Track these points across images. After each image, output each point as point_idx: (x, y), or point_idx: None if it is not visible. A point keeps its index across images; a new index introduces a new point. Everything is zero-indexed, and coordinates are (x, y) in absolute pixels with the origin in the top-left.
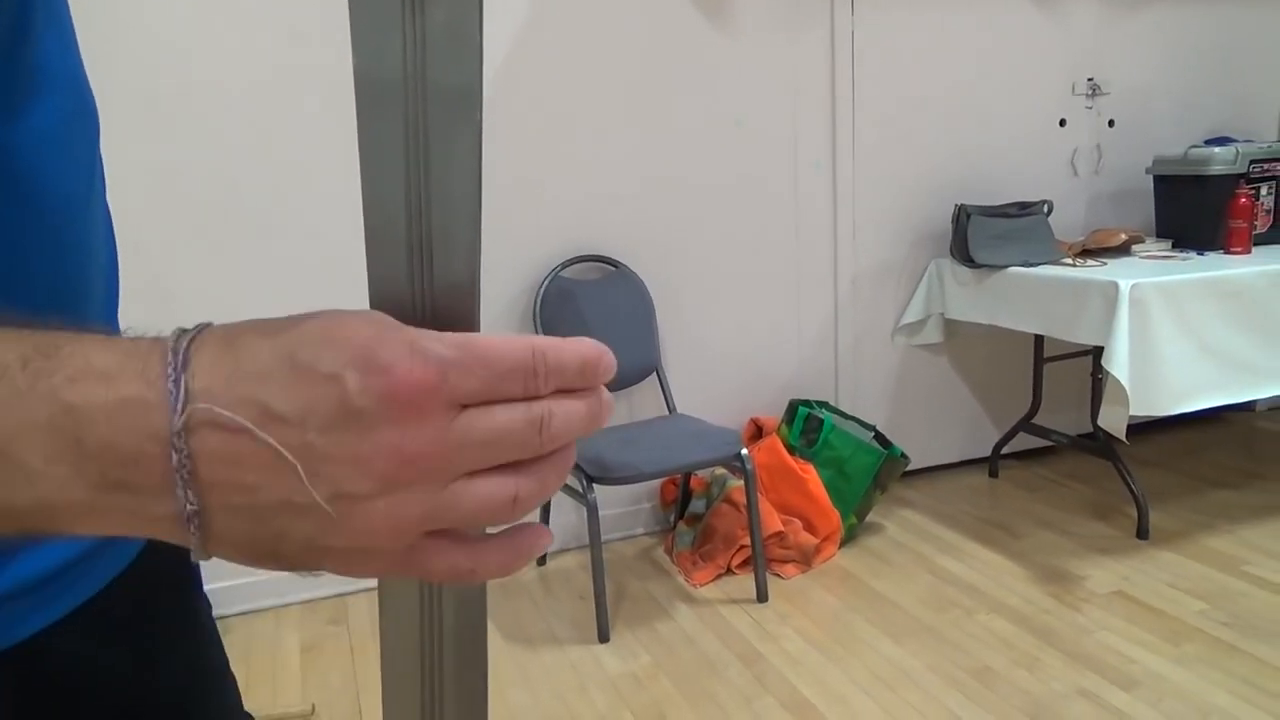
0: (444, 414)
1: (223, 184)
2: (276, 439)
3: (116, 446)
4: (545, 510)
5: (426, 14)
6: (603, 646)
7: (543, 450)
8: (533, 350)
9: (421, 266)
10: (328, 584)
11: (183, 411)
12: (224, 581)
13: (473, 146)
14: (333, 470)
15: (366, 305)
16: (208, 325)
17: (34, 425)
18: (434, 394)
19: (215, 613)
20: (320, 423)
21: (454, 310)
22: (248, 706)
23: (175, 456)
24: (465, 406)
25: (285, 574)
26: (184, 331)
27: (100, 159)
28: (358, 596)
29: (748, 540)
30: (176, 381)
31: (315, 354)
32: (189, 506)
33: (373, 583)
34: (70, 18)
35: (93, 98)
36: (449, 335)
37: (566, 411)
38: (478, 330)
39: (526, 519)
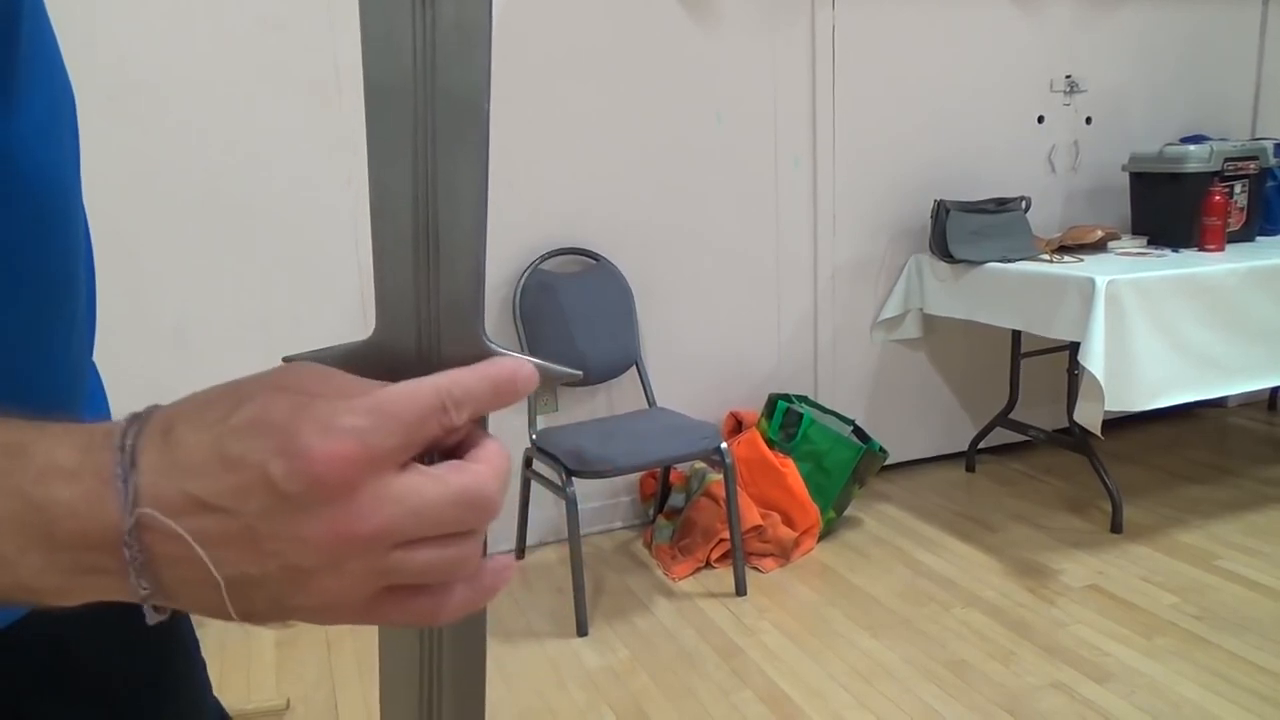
0: (373, 479)
1: (200, 176)
2: (219, 526)
3: (82, 539)
4: (524, 504)
5: (438, 16)
6: (581, 640)
7: (477, 526)
8: (437, 391)
9: (428, 271)
10: None
11: (132, 512)
12: None
13: (480, 149)
14: (278, 547)
15: (345, 294)
16: (152, 411)
17: (9, 522)
18: (356, 465)
19: None
20: (256, 508)
21: (459, 310)
22: (222, 701)
23: (128, 551)
24: (401, 466)
25: None
26: (132, 420)
27: (79, 150)
28: None
29: (727, 534)
30: (125, 480)
31: (240, 448)
32: (143, 591)
33: None
34: (44, 6)
35: (72, 89)
36: (359, 401)
37: (496, 478)
38: (482, 330)
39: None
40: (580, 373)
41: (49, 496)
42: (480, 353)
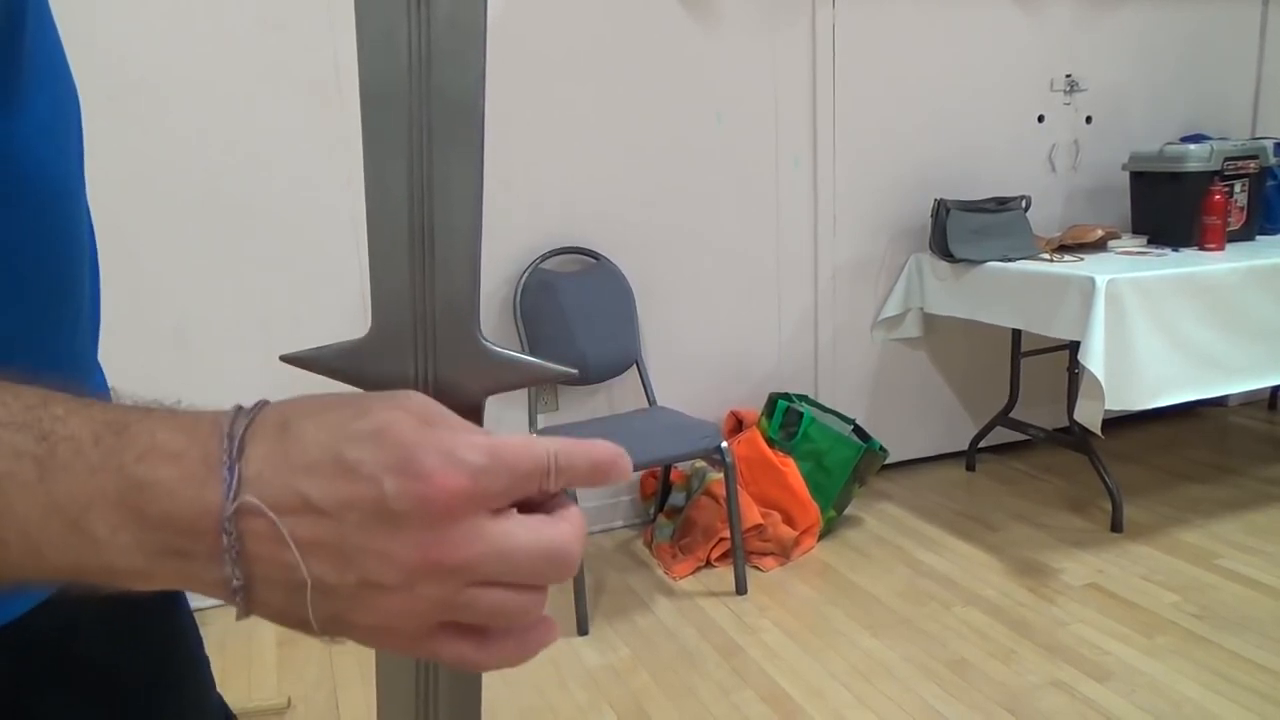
0: (472, 516)
1: (200, 176)
2: (315, 529)
3: (176, 521)
4: None
5: (433, 16)
6: (581, 639)
7: (556, 581)
8: (548, 454)
9: (424, 270)
10: None
11: (234, 498)
12: None
13: (475, 148)
14: (363, 561)
15: (346, 294)
16: (263, 406)
17: (104, 499)
18: (465, 500)
19: (191, 605)
20: (358, 518)
21: (454, 310)
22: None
23: (226, 538)
24: (498, 511)
25: None
26: (240, 412)
27: (83, 149)
28: None
29: (727, 533)
30: (230, 469)
31: (360, 454)
32: (236, 581)
33: None
34: (49, 7)
35: (75, 88)
36: (480, 440)
37: (578, 541)
38: (478, 329)
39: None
40: (575, 371)
41: (150, 475)
42: (476, 352)
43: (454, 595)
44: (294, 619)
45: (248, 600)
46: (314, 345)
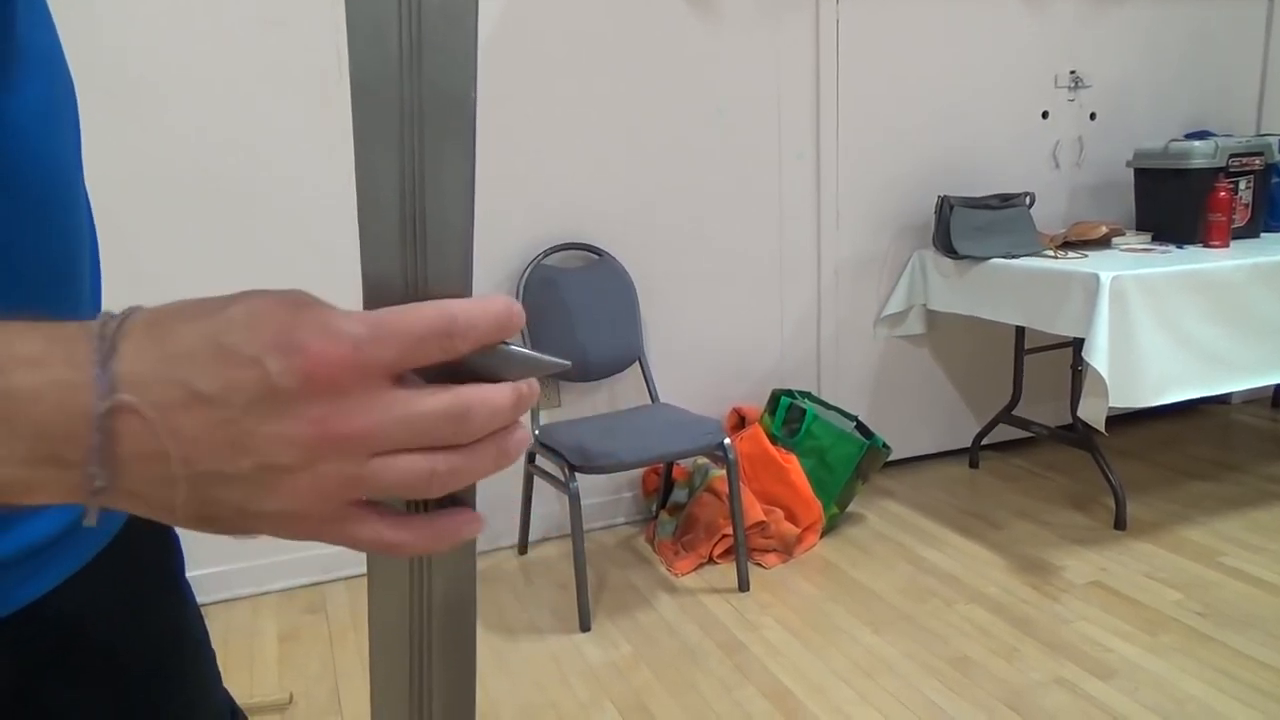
0: (363, 387)
1: (199, 175)
2: (203, 418)
3: (45, 427)
4: (527, 499)
5: (423, 6)
6: (584, 636)
7: (461, 440)
8: (445, 313)
9: (415, 261)
10: (306, 572)
11: (109, 397)
12: (201, 569)
13: (466, 140)
14: (258, 444)
15: (345, 292)
16: (136, 309)
17: None
18: (349, 369)
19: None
20: (244, 401)
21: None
22: None
23: (96, 437)
24: (396, 379)
25: (264, 562)
26: (111, 316)
27: (80, 138)
28: (335, 585)
29: (729, 530)
30: (103, 366)
31: (238, 338)
32: (97, 482)
33: (350, 570)
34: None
35: (71, 77)
36: (366, 313)
37: (488, 403)
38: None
39: (470, 506)
40: (568, 363)
41: (10, 384)
42: None
43: (358, 469)
44: (199, 515)
45: (111, 499)
46: None
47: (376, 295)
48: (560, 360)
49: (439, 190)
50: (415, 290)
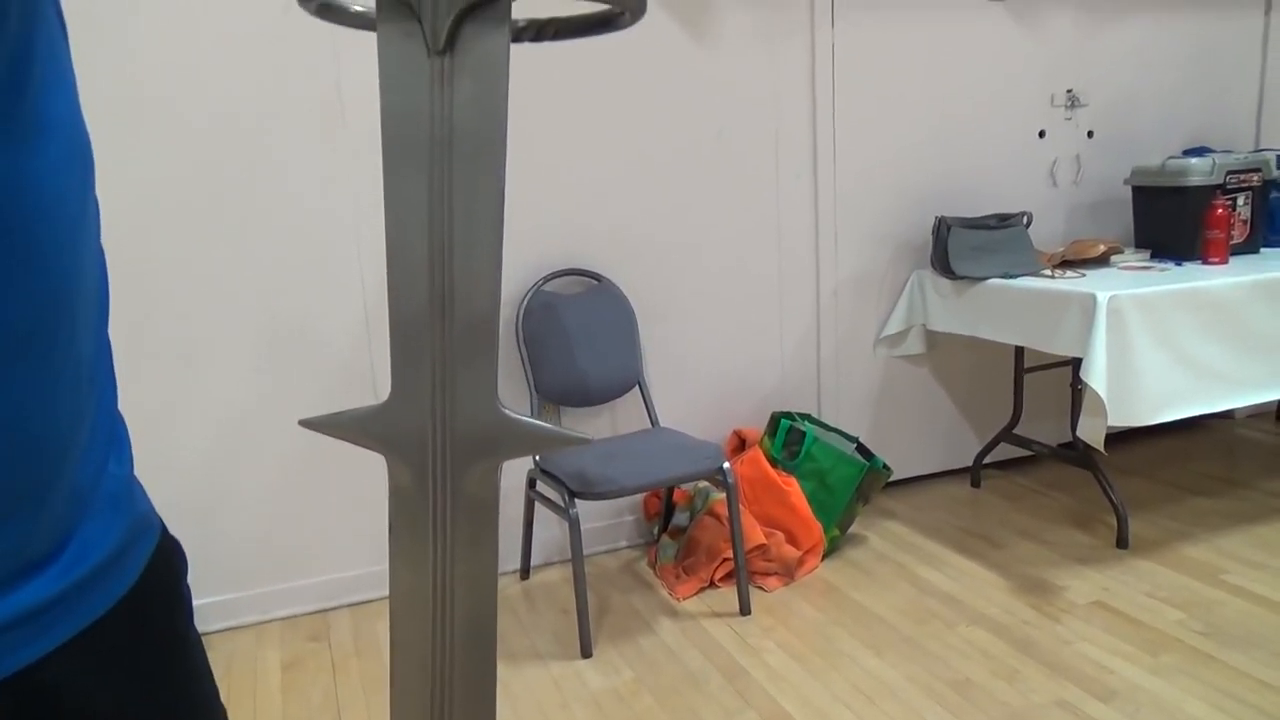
0: None
1: (205, 187)
2: None
3: None
4: (528, 525)
5: (455, 67)
6: (585, 661)
7: None
8: None
9: (443, 331)
10: (309, 600)
11: None
12: (205, 598)
13: (495, 191)
14: None
15: (349, 310)
16: None
17: None
18: None
19: (199, 631)
20: None
21: (474, 372)
22: None
23: None
24: None
25: (267, 590)
26: None
27: (94, 197)
28: (339, 612)
29: (730, 553)
30: None
31: None
32: None
33: (354, 597)
34: (72, 66)
35: (88, 140)
36: None
37: None
38: (497, 398)
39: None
40: (591, 438)
41: None
42: (496, 420)
43: None
44: None
45: None
46: (318, 366)
47: (404, 368)
48: (584, 435)
49: (470, 257)
50: (443, 364)
